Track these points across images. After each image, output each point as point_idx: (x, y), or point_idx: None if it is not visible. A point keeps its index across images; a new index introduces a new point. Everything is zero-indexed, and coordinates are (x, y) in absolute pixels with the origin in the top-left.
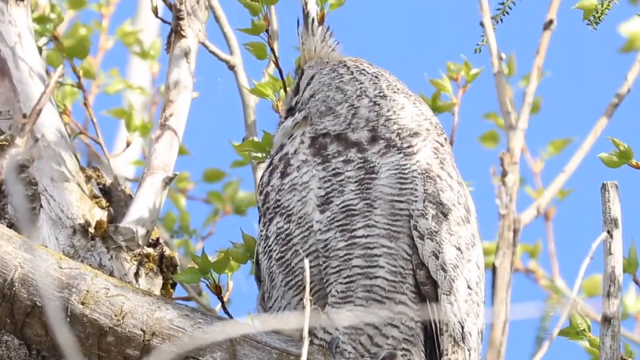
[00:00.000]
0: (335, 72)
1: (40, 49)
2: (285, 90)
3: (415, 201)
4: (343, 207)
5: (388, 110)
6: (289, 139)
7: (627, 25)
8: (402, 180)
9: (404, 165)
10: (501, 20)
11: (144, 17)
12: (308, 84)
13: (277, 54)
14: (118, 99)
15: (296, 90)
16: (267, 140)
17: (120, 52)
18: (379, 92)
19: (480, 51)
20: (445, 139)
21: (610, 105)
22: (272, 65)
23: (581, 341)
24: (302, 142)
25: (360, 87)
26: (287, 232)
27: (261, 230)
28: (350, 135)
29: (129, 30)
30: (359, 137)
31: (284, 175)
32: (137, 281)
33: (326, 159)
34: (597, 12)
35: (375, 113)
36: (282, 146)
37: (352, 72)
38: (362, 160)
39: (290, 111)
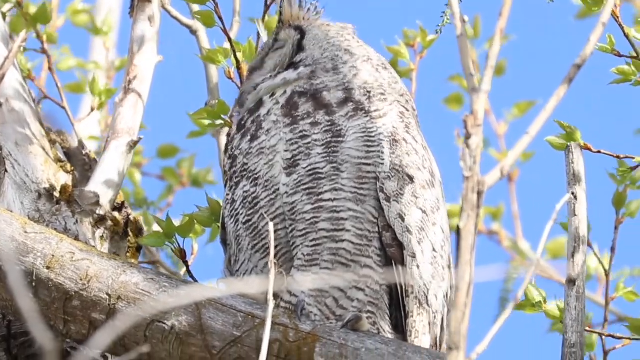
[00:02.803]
0: (343, 36)
1: (4, 15)
2: (235, 58)
3: (382, 164)
4: (310, 170)
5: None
6: (271, 96)
7: None
8: (368, 144)
9: (371, 128)
10: None
11: None
12: (314, 43)
13: (225, 21)
14: (72, 76)
15: (298, 49)
16: (221, 108)
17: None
18: (382, 64)
19: (441, 32)
20: (413, 107)
21: (573, 66)
22: (235, 29)
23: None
24: (276, 102)
25: (367, 54)
26: (253, 195)
27: (227, 194)
28: (325, 96)
29: (79, 9)
30: (331, 99)
31: (253, 138)
32: (102, 245)
33: (295, 121)
34: None
35: (375, 78)
36: (256, 108)
37: (357, 40)
38: (329, 123)
39: (292, 66)
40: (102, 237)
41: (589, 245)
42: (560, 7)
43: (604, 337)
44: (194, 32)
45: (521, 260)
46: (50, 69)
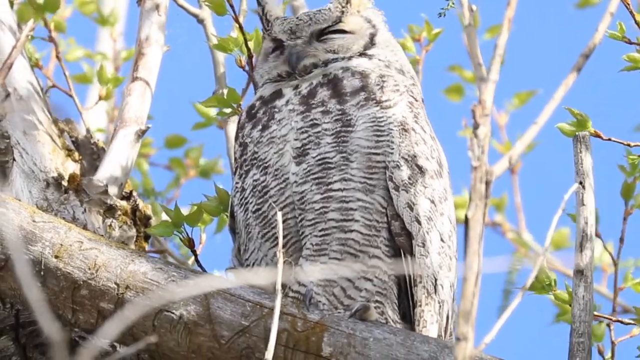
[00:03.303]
0: (400, 50)
1: (11, 3)
2: (247, 46)
3: (392, 153)
4: (319, 159)
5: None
6: (295, 88)
7: None
8: (378, 133)
9: (380, 117)
10: None
11: None
12: (387, 45)
13: (236, 9)
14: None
15: (371, 42)
16: (232, 96)
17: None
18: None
19: (445, 15)
20: (422, 98)
21: (581, 56)
22: (241, 19)
23: (547, 295)
24: (298, 93)
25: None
26: (263, 184)
27: (237, 183)
28: (345, 84)
29: None
30: (347, 87)
31: (265, 128)
32: (110, 234)
33: (308, 109)
34: None
35: (413, 85)
36: (273, 98)
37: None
38: (340, 113)
39: (364, 56)
40: (110, 226)
41: (598, 236)
42: None
43: (612, 327)
44: (200, 21)
45: (525, 251)
46: (58, 57)
